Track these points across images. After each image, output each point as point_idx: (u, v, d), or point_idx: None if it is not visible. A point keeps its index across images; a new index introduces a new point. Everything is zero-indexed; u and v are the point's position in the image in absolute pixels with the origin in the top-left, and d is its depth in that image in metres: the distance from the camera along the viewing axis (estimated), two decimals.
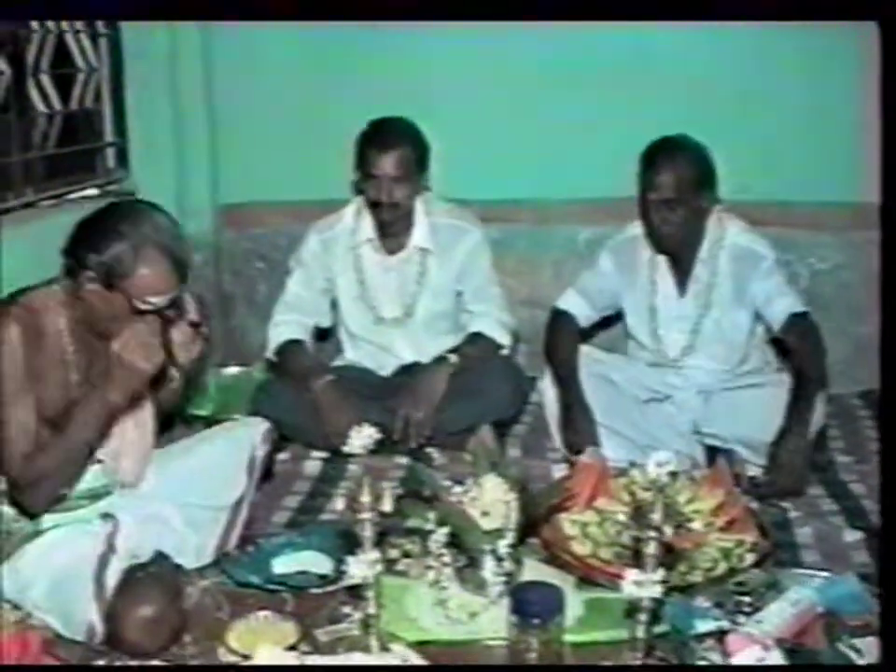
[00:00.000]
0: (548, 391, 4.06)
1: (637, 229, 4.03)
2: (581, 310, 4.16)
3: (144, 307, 2.75)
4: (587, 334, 4.31)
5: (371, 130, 4.06)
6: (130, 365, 2.73)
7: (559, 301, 4.20)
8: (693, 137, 3.86)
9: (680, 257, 3.96)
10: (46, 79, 4.21)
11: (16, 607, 2.85)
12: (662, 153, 3.82)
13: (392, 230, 4.15)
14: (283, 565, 3.14)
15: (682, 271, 3.99)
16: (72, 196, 4.36)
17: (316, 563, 3.13)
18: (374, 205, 4.05)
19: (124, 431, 3.02)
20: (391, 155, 3.96)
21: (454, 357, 4.08)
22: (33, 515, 2.87)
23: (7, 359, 2.70)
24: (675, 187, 3.76)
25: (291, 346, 4.20)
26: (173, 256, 2.76)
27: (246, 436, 3.36)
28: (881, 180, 2.35)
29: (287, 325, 4.25)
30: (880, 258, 2.33)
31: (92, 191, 4.51)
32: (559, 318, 4.17)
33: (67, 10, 3.95)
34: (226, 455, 3.28)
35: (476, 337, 4.18)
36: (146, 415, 3.09)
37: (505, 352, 4.24)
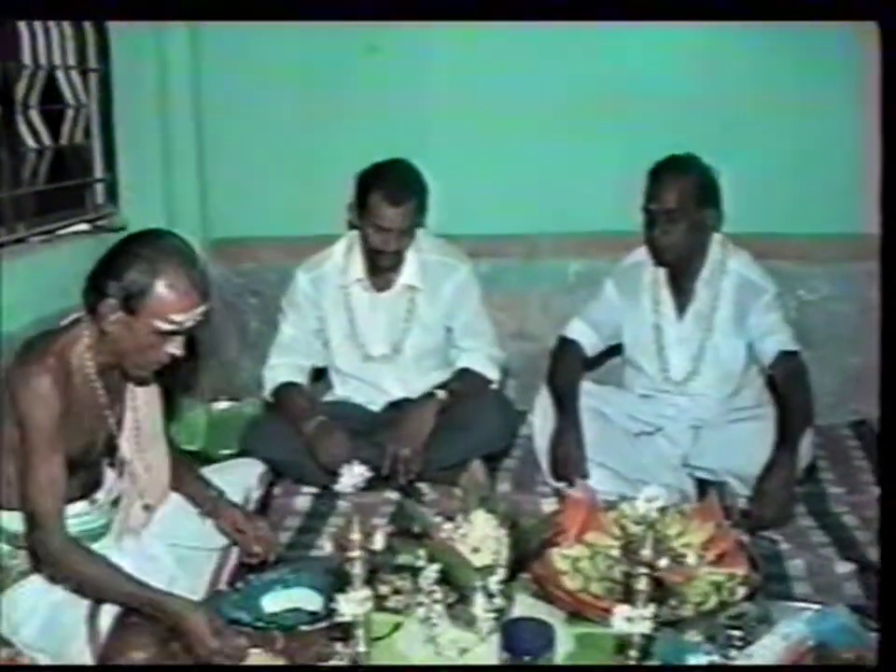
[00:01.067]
0: (538, 423, 4.07)
1: (641, 255, 4.08)
2: (588, 339, 4.17)
3: (167, 328, 2.71)
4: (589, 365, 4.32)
5: (380, 178, 3.98)
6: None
7: (566, 329, 4.22)
8: (699, 157, 3.91)
9: (681, 273, 3.99)
10: (35, 115, 4.22)
11: (7, 643, 2.84)
12: (666, 167, 3.87)
13: (383, 269, 4.14)
14: (273, 602, 3.11)
15: (683, 291, 4.02)
16: (62, 232, 4.37)
17: (306, 600, 3.11)
18: (376, 252, 4.03)
19: (137, 475, 3.03)
20: (401, 209, 3.93)
21: (442, 393, 4.07)
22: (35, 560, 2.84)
23: (41, 413, 2.67)
24: (676, 198, 3.80)
25: (286, 389, 4.18)
26: (190, 272, 2.72)
27: (241, 478, 3.36)
28: (881, 195, 2.35)
29: (282, 367, 4.23)
30: (880, 287, 2.33)
31: (82, 227, 4.52)
32: (565, 346, 4.18)
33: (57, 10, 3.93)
34: None
35: (465, 373, 4.18)
36: (159, 463, 3.11)
37: (494, 387, 4.24)
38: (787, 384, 3.85)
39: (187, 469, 3.25)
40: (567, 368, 4.12)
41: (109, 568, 2.76)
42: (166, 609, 2.69)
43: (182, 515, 3.15)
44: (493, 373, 4.22)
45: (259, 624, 2.98)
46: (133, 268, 2.67)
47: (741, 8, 3.54)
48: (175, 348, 2.78)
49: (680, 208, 3.81)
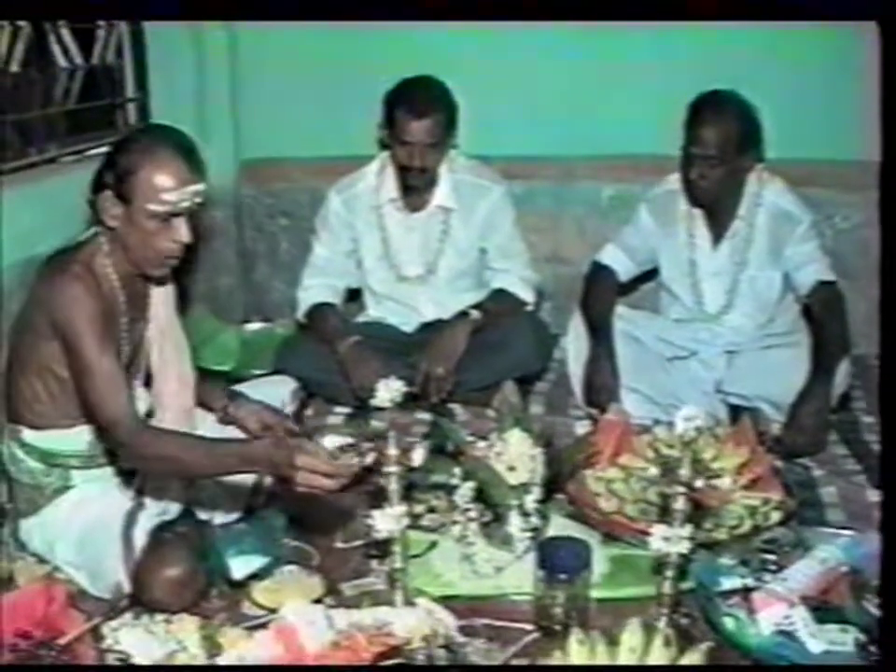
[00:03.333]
0: (571, 348, 4.08)
1: (674, 183, 4.03)
2: (622, 265, 4.15)
3: (161, 209, 2.70)
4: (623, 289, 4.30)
5: (404, 93, 3.98)
6: (300, 481, 2.61)
7: (600, 255, 4.20)
8: (741, 94, 3.84)
9: (716, 211, 3.96)
10: (67, 34, 4.18)
11: (43, 560, 2.88)
12: (710, 108, 3.79)
13: (416, 189, 4.12)
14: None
15: (718, 225, 3.98)
16: (93, 152, 4.35)
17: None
18: (404, 169, 4.03)
19: (167, 385, 3.04)
20: (425, 122, 3.91)
21: (475, 313, 4.06)
22: (118, 459, 2.87)
23: (84, 315, 2.67)
24: (718, 144, 3.74)
25: (320, 309, 4.19)
26: (179, 151, 2.73)
27: (274, 394, 3.35)
28: (881, 199, 2.33)
29: (316, 288, 4.24)
30: (879, 220, 2.31)
31: None
32: (599, 272, 4.16)
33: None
34: None
35: (499, 293, 4.18)
36: (188, 371, 3.10)
37: (529, 308, 4.24)
38: (824, 313, 3.83)
39: (199, 379, 3.22)
40: (600, 294, 4.10)
41: (195, 439, 2.80)
42: (261, 458, 2.66)
43: (217, 431, 3.13)
44: (527, 295, 4.21)
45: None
46: (124, 154, 2.71)
47: (743, 8, 3.51)
48: (179, 235, 2.76)
49: (721, 154, 3.75)
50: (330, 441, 2.70)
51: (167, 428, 2.86)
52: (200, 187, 2.76)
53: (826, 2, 2.99)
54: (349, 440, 2.66)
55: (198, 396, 3.15)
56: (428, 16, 3.76)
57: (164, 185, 2.69)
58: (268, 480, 3.20)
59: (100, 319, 2.70)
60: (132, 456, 2.75)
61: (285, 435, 2.98)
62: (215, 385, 3.27)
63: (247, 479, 3.16)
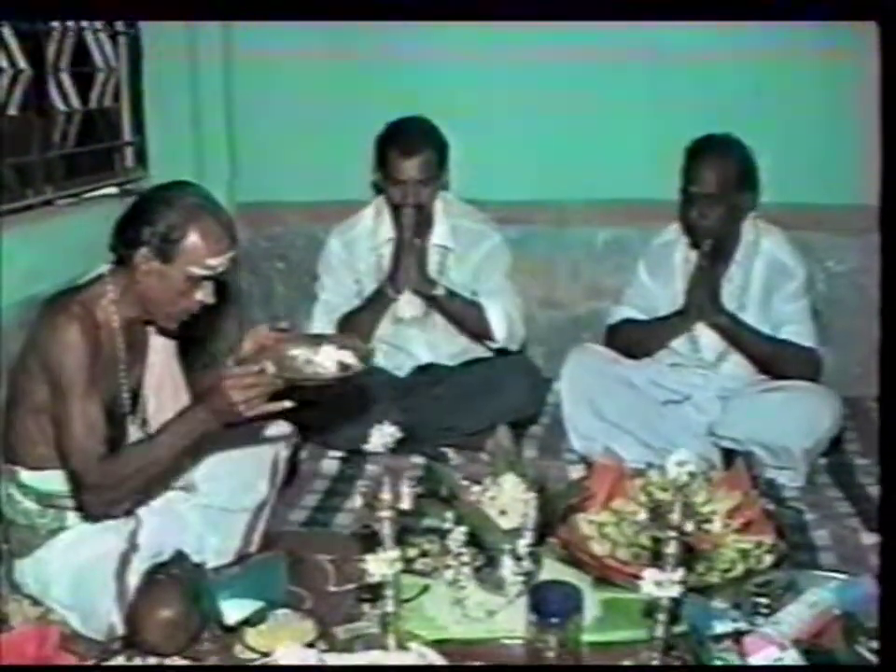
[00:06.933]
0: (564, 391, 4.06)
1: (670, 234, 4.08)
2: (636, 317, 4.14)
3: (202, 273, 2.75)
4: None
5: (394, 133, 4.03)
6: (229, 400, 2.70)
7: (613, 317, 4.19)
8: (738, 137, 3.88)
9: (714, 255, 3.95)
10: (65, 78, 4.21)
11: (36, 602, 2.86)
12: (708, 149, 3.85)
13: (412, 229, 4.10)
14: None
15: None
16: (91, 195, 4.37)
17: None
18: (398, 208, 4.04)
19: None
20: (415, 159, 3.95)
21: (441, 289, 4.09)
22: (92, 516, 2.85)
23: (73, 358, 2.69)
24: (718, 182, 3.78)
25: None
26: (221, 217, 2.79)
27: (268, 439, 3.35)
28: (881, 184, 2.34)
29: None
30: (881, 262, 2.31)
31: (111, 190, 4.52)
32: (626, 325, 4.14)
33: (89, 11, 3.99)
34: (248, 457, 3.24)
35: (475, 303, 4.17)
36: None
37: (496, 345, 4.20)
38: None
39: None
40: (644, 330, 4.11)
41: (142, 443, 2.85)
42: (199, 411, 2.77)
43: (213, 476, 3.15)
44: (500, 326, 4.15)
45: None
46: (168, 215, 2.72)
47: (743, 8, 3.52)
48: (205, 296, 2.82)
49: (721, 192, 3.79)
50: (326, 354, 2.75)
51: (118, 453, 2.84)
52: (233, 252, 2.82)
53: (826, 2, 3.00)
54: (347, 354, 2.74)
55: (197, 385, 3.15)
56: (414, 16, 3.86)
57: (210, 252, 2.75)
58: (262, 523, 3.23)
59: (91, 367, 2.72)
60: (104, 502, 2.79)
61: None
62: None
63: (241, 521, 3.18)
